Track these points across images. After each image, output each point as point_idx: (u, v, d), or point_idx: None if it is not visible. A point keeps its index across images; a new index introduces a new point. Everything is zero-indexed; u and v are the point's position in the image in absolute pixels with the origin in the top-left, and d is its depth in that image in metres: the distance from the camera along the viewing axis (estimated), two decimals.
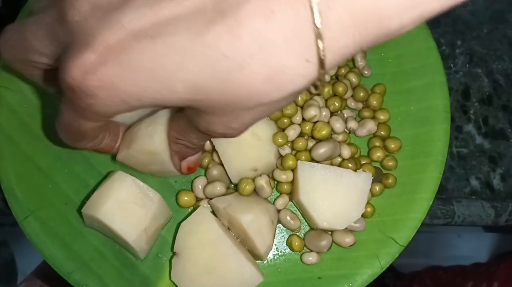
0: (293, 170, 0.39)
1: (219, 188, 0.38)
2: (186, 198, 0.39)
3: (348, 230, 0.38)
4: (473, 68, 0.48)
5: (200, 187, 0.39)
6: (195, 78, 0.21)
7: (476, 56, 0.49)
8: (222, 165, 0.39)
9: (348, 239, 0.38)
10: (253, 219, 0.36)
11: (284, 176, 0.39)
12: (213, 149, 0.39)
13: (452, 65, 0.48)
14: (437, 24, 0.49)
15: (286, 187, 0.39)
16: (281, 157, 0.39)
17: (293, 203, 0.40)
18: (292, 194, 0.39)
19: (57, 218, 0.38)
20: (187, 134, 0.29)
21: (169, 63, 0.21)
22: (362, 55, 0.43)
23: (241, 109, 0.23)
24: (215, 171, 0.39)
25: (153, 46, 0.21)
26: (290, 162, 0.38)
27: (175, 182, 0.40)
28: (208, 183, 0.39)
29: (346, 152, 0.39)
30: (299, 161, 0.38)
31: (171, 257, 0.38)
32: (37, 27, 0.26)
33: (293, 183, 0.39)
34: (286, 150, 0.39)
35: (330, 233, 0.39)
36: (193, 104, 0.23)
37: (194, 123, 0.26)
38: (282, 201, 0.39)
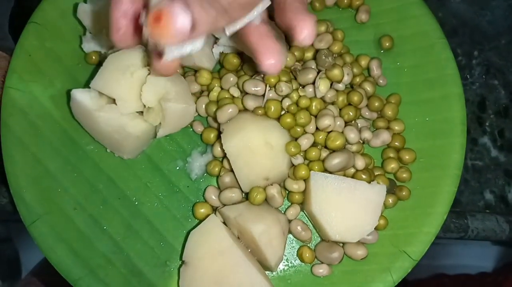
0: (305, 180, 0.38)
1: (234, 194, 0.37)
2: (202, 210, 0.38)
3: (361, 243, 0.37)
4: (490, 79, 0.48)
5: (214, 197, 0.38)
6: None
7: (493, 67, 0.48)
8: (233, 172, 0.38)
9: (360, 252, 0.37)
10: (264, 230, 0.35)
11: (296, 186, 0.38)
12: (224, 156, 0.38)
13: (468, 76, 0.47)
14: (454, 34, 0.48)
15: (297, 197, 0.38)
16: (293, 167, 0.38)
17: (305, 213, 0.39)
18: (304, 204, 0.39)
19: (65, 223, 0.38)
20: None
21: None
22: (377, 64, 0.42)
23: None
24: (227, 178, 0.38)
25: None
26: (303, 172, 0.37)
27: (187, 187, 0.39)
28: (222, 190, 0.38)
29: (360, 162, 0.38)
30: (312, 171, 0.37)
31: (180, 266, 0.37)
32: None
33: (305, 193, 0.38)
34: (298, 160, 0.38)
35: (341, 245, 0.38)
36: None
37: None
38: (293, 211, 0.38)
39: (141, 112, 0.38)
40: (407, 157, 0.40)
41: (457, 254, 1.03)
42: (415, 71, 0.42)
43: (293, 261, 0.38)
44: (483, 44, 0.48)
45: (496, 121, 0.46)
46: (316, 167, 0.38)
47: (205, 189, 0.39)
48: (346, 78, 0.40)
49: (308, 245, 0.39)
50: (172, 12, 0.23)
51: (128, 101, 0.36)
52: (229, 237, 0.35)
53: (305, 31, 0.29)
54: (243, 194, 0.39)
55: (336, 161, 0.37)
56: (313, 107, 0.39)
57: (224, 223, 0.37)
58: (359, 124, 0.40)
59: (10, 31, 0.44)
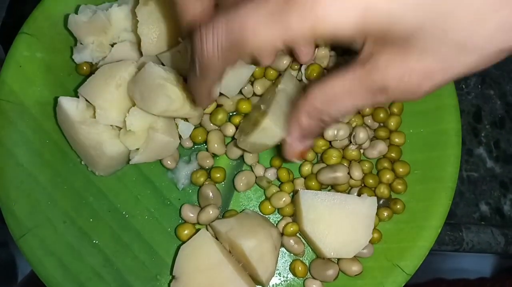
0: (295, 196, 0.37)
1: (211, 212, 0.37)
2: (186, 232, 0.37)
3: (355, 258, 0.37)
4: (486, 89, 0.47)
5: (191, 215, 0.38)
6: None
7: (489, 77, 0.47)
8: (214, 183, 0.38)
9: (355, 268, 0.36)
10: (255, 245, 0.35)
11: (281, 201, 0.38)
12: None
13: (464, 86, 0.47)
14: None
15: (287, 210, 0.38)
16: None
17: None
18: (294, 218, 0.38)
19: (55, 236, 0.37)
20: (340, 102, 0.25)
21: None
22: None
23: (450, 46, 0.21)
24: (208, 190, 0.38)
25: None
26: (285, 187, 0.37)
27: (178, 199, 0.39)
28: (201, 209, 0.38)
29: (357, 173, 0.38)
30: (300, 190, 0.37)
31: (170, 281, 0.37)
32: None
33: (295, 211, 0.38)
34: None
35: (336, 260, 0.37)
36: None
37: (367, 78, 0.23)
38: (285, 223, 0.38)
39: (119, 128, 0.37)
40: (400, 170, 0.39)
41: (455, 258, 1.02)
42: None
43: (285, 275, 0.38)
44: None
45: (491, 132, 0.46)
46: (312, 183, 0.37)
47: (180, 208, 0.38)
48: None
49: (301, 258, 0.38)
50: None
51: (108, 112, 0.36)
52: (220, 252, 0.35)
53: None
54: (221, 212, 0.38)
55: (331, 175, 0.37)
56: None
57: (215, 237, 0.37)
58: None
59: (0, 41, 0.43)
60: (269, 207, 0.38)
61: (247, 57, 0.25)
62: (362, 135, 0.38)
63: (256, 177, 0.39)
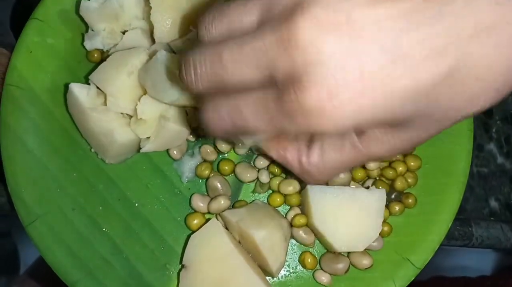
0: (303, 192, 0.37)
1: (222, 202, 0.37)
2: (195, 221, 0.37)
3: (366, 252, 0.37)
4: None
5: (201, 204, 0.37)
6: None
7: None
8: (222, 175, 0.38)
9: (366, 261, 0.36)
10: (266, 235, 0.34)
11: (290, 187, 0.37)
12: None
13: None
14: None
15: (295, 200, 0.38)
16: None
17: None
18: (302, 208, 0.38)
19: (64, 223, 0.37)
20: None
21: None
22: None
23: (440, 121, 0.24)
24: (215, 181, 0.38)
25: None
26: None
27: (188, 189, 0.39)
28: (211, 198, 0.37)
29: (372, 164, 0.38)
30: (308, 186, 0.36)
31: (180, 270, 0.37)
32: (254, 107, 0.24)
33: (304, 206, 0.37)
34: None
35: (346, 254, 0.37)
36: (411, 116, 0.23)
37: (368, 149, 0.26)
38: (293, 213, 0.38)
39: (129, 116, 0.37)
40: (412, 163, 0.39)
41: (457, 256, 1.02)
42: None
43: (294, 267, 0.38)
44: None
45: (502, 127, 0.46)
46: None
47: (190, 198, 0.38)
48: None
49: (310, 250, 0.38)
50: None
51: (119, 100, 0.36)
52: (230, 242, 0.35)
53: None
54: (231, 201, 0.38)
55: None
56: None
57: (225, 226, 0.37)
58: None
59: (11, 27, 0.43)
60: (278, 199, 0.38)
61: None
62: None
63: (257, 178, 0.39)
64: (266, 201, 0.39)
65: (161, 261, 0.37)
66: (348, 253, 0.37)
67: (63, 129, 0.39)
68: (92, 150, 0.39)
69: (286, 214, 0.38)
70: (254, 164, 0.39)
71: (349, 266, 0.37)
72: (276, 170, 0.38)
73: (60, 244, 0.37)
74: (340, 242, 0.35)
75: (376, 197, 0.36)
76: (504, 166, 0.45)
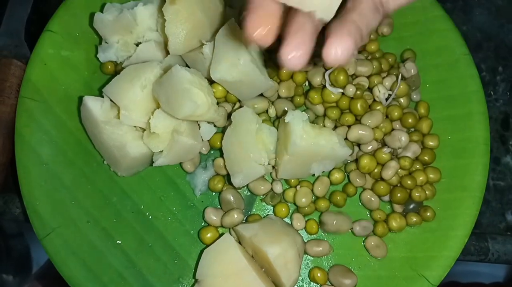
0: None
1: (236, 216, 0.37)
2: (209, 235, 0.37)
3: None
4: None
5: (214, 218, 0.37)
6: None
7: None
8: (235, 188, 0.38)
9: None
10: (280, 252, 0.34)
11: (304, 199, 0.38)
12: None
13: (492, 93, 0.46)
14: (478, 49, 0.46)
15: (308, 209, 0.38)
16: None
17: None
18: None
19: (79, 236, 0.37)
20: None
21: None
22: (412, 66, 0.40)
23: None
24: (228, 195, 0.38)
25: None
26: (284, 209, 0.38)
27: (202, 202, 0.39)
28: (225, 212, 0.37)
29: (390, 172, 0.38)
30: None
31: (193, 284, 0.37)
32: None
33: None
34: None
35: (355, 275, 0.37)
36: None
37: None
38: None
39: (142, 129, 0.37)
40: (431, 175, 0.38)
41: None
42: (438, 87, 0.41)
43: (307, 281, 0.38)
44: (508, 60, 0.46)
45: None
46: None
47: (203, 211, 0.38)
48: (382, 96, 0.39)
49: (319, 264, 0.38)
50: None
51: (132, 113, 0.36)
52: (244, 257, 0.35)
53: (333, 50, 0.26)
54: (245, 216, 0.38)
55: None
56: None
57: (239, 241, 0.37)
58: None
59: (26, 38, 0.43)
60: (283, 209, 0.38)
61: None
62: (404, 138, 0.37)
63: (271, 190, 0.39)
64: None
65: (175, 275, 0.37)
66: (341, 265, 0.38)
67: (77, 141, 0.39)
68: (105, 162, 0.39)
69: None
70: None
71: (356, 284, 0.36)
72: (293, 180, 0.38)
73: (75, 257, 0.37)
74: None
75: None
76: None
